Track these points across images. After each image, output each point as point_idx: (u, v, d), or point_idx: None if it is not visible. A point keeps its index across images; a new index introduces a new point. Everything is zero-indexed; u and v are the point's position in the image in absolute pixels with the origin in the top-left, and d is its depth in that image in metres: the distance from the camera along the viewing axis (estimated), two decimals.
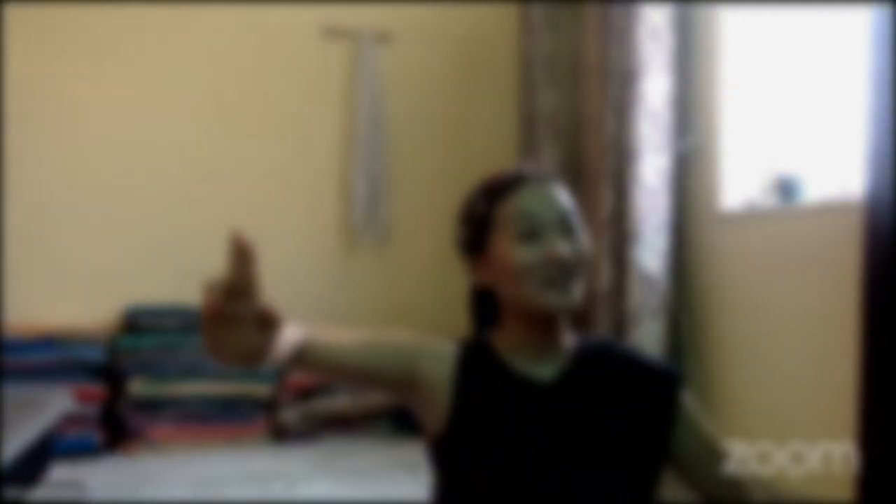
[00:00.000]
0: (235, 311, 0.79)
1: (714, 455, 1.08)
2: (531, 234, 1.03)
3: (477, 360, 1.07)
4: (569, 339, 1.09)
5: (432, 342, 1.08)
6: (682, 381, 1.10)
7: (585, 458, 1.02)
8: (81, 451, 2.80)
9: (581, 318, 3.14)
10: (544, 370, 1.06)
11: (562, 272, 1.02)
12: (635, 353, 1.15)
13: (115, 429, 2.95)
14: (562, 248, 1.02)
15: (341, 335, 1.01)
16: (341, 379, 1.05)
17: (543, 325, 1.05)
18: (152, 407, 2.97)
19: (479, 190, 1.10)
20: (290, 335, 0.89)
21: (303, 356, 0.95)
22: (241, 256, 0.79)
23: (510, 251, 1.03)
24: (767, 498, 1.10)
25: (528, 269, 1.02)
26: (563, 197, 1.07)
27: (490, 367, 1.07)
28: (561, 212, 1.04)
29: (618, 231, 2.99)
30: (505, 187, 1.06)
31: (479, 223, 1.08)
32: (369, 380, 1.06)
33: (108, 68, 3.20)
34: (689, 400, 1.09)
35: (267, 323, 0.82)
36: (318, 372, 1.02)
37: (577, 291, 1.03)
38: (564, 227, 1.04)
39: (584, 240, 1.06)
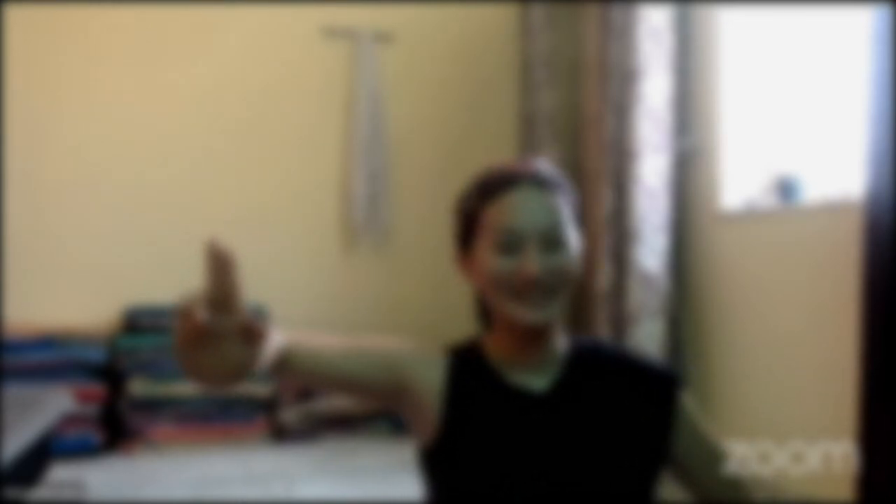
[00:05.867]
0: (216, 326, 0.74)
1: (713, 456, 1.07)
2: (509, 245, 0.99)
3: (469, 370, 1.04)
4: (561, 344, 1.06)
5: (422, 350, 1.05)
6: (681, 382, 1.08)
7: (583, 468, 1.00)
8: (81, 451, 2.80)
9: (581, 319, 3.15)
10: (538, 380, 1.04)
11: (532, 288, 0.98)
12: (630, 354, 1.13)
13: (115, 429, 2.95)
14: (535, 264, 0.97)
15: (326, 342, 0.98)
16: (325, 387, 1.01)
17: (528, 333, 1.02)
18: (152, 407, 2.97)
19: (473, 184, 1.06)
20: (272, 341, 0.85)
21: (285, 364, 0.90)
22: (219, 266, 0.74)
23: (488, 259, 1.00)
24: (768, 498, 1.09)
25: (500, 280, 0.99)
26: (552, 205, 1.01)
27: (482, 376, 1.04)
28: (544, 224, 1.00)
29: (618, 231, 2.99)
30: (495, 188, 1.02)
31: (467, 221, 1.05)
32: (355, 389, 1.03)
33: (108, 68, 3.20)
34: (687, 401, 1.08)
35: (250, 336, 0.76)
36: (301, 380, 0.96)
37: (552, 308, 0.99)
38: (547, 240, 0.99)
39: (572, 252, 1.01)
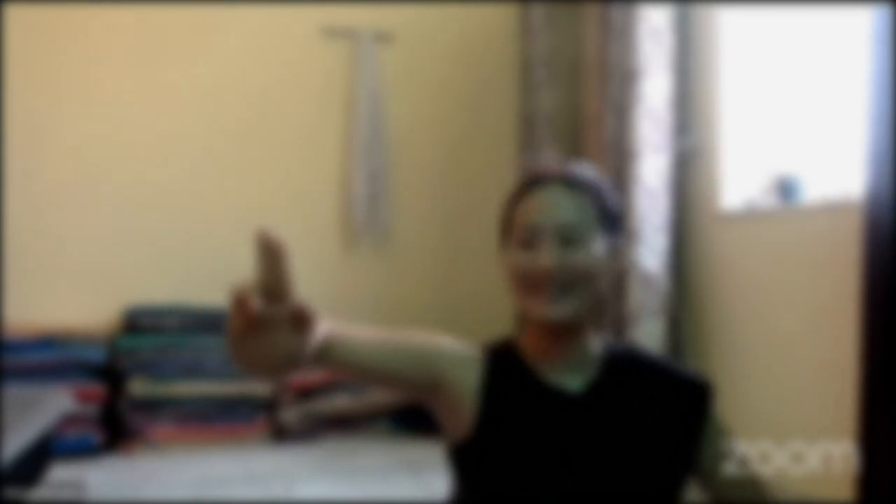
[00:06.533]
0: (269, 315, 0.74)
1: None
2: (529, 241, 1.01)
3: (505, 368, 1.05)
4: (594, 346, 1.07)
5: (459, 347, 1.05)
6: (713, 391, 1.09)
7: (614, 469, 1.01)
8: (81, 451, 2.80)
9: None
10: (573, 381, 1.04)
11: (547, 283, 0.99)
12: (664, 361, 1.14)
13: (115, 429, 2.95)
14: (548, 258, 0.99)
15: (363, 333, 0.97)
16: (362, 379, 1.01)
17: (554, 331, 1.03)
18: (152, 407, 2.97)
19: (515, 185, 1.08)
20: (320, 330, 0.84)
21: (324, 354, 0.89)
22: (271, 255, 0.75)
23: (512, 255, 1.02)
24: (770, 498, 1.10)
25: (518, 275, 1.01)
26: (577, 205, 1.02)
27: (519, 375, 1.05)
28: (564, 221, 1.01)
29: None
30: (527, 187, 1.05)
31: (506, 222, 1.07)
32: (390, 382, 1.03)
33: (108, 68, 3.20)
34: (716, 409, 1.08)
35: (301, 323, 0.76)
36: (338, 371, 0.96)
37: (566, 303, 1.00)
38: (565, 236, 1.00)
39: (593, 252, 1.01)
